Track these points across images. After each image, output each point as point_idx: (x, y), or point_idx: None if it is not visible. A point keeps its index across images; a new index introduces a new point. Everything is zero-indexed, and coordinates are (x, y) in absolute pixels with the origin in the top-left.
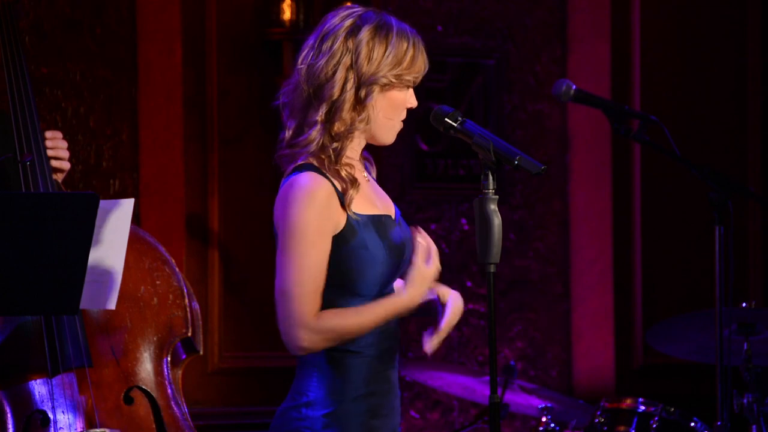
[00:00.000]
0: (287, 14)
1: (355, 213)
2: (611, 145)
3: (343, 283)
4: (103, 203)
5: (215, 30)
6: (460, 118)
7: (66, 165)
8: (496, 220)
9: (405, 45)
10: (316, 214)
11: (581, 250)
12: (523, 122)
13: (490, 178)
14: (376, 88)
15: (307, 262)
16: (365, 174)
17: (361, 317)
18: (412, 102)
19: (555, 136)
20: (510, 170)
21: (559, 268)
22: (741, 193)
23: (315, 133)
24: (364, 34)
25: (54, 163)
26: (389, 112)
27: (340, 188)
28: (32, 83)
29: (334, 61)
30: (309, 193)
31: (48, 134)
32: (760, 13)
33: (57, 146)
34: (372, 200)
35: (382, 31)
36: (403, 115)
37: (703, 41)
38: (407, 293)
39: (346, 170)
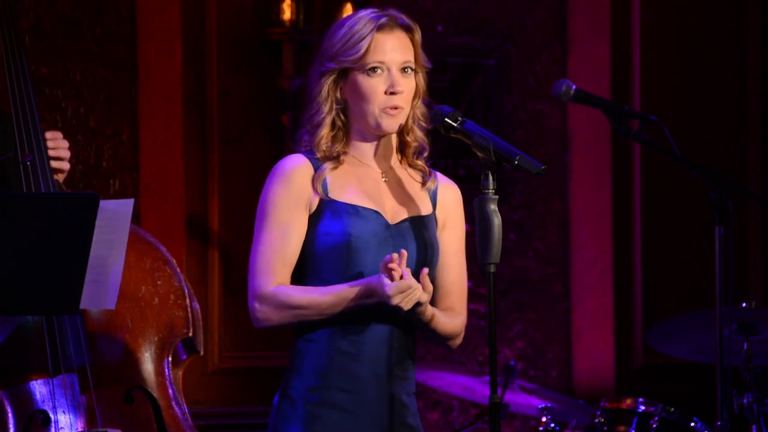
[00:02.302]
0: (287, 14)
1: (328, 196)
2: (611, 145)
3: (311, 265)
4: (103, 203)
5: (215, 30)
6: (460, 118)
7: (66, 165)
8: (496, 220)
9: (355, 29)
10: (283, 189)
11: (581, 250)
12: (523, 122)
13: (490, 178)
14: (330, 78)
15: (268, 236)
16: (383, 172)
17: (314, 293)
18: (383, 86)
19: (555, 136)
20: (510, 170)
21: (559, 268)
22: (741, 193)
23: (302, 132)
24: (330, 33)
25: (55, 163)
26: (357, 99)
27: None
28: (32, 83)
29: (313, 67)
30: (279, 170)
31: (48, 134)
32: (760, 13)
33: (58, 146)
34: (369, 194)
35: (345, 22)
36: (384, 102)
37: (703, 41)
38: (372, 283)
39: (334, 160)
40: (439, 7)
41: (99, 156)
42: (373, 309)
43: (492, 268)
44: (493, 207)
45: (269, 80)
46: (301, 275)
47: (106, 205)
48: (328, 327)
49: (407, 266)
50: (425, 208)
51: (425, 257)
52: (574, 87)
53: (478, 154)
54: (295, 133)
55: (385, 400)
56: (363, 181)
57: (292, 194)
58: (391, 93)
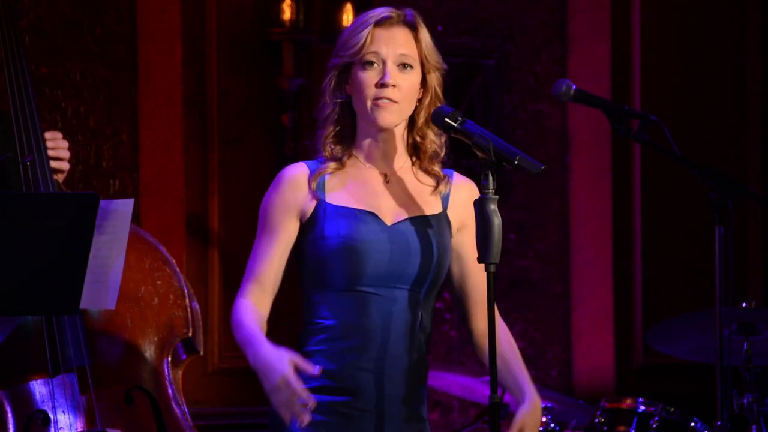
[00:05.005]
0: (287, 14)
1: (324, 199)
2: (611, 145)
3: (311, 271)
4: (103, 203)
5: (215, 30)
6: (460, 118)
7: (66, 165)
8: (496, 220)
9: (357, 24)
10: (274, 196)
11: (581, 250)
12: (523, 122)
13: (490, 178)
14: (335, 73)
15: (258, 242)
16: (386, 174)
17: (245, 334)
18: (376, 78)
19: (555, 136)
20: (510, 170)
21: (559, 268)
22: (741, 193)
23: (317, 128)
24: (343, 30)
25: (54, 163)
26: (355, 93)
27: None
28: (32, 83)
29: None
30: (277, 178)
31: (48, 135)
32: (760, 13)
33: (58, 146)
34: (367, 196)
35: (351, 23)
36: (375, 94)
37: (703, 41)
38: (272, 363)
39: (338, 162)
40: (439, 7)
41: (99, 156)
42: (383, 312)
43: (492, 268)
44: (493, 207)
45: (269, 80)
46: (302, 279)
47: (106, 205)
48: (334, 331)
49: (409, 268)
50: (432, 208)
51: (433, 258)
52: (574, 87)
53: (478, 154)
54: (295, 132)
55: (389, 404)
56: (363, 184)
57: (281, 201)
58: (382, 85)
